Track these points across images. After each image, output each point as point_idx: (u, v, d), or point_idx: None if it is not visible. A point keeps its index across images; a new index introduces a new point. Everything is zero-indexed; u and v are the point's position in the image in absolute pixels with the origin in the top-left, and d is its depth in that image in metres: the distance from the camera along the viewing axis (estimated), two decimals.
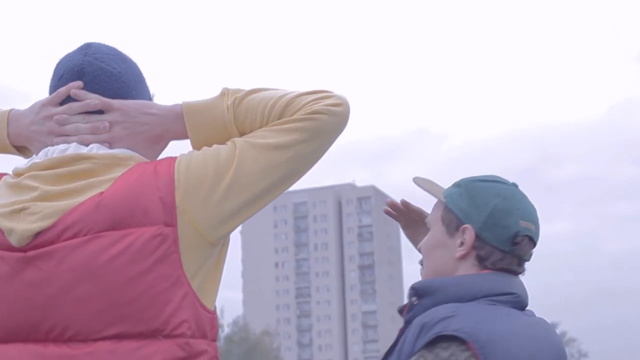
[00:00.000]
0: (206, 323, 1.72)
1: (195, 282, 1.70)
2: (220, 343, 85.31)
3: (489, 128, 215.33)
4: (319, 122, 1.76)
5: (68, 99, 1.80)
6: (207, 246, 1.72)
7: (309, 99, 1.78)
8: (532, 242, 2.01)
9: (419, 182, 2.15)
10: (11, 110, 1.89)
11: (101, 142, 1.78)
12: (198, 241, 1.70)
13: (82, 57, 1.81)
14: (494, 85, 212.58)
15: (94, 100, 1.78)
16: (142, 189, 1.69)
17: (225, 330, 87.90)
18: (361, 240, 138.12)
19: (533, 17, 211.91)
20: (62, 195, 1.72)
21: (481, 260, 1.99)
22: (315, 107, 1.77)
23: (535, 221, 2.02)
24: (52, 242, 1.67)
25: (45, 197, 1.71)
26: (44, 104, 1.83)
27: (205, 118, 1.79)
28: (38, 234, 1.68)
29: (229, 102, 1.79)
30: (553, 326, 2.11)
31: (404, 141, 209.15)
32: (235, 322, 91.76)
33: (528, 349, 1.88)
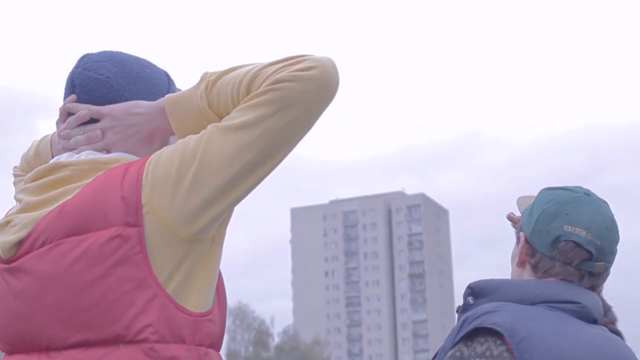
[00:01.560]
0: (184, 327, 1.63)
1: (172, 283, 1.63)
2: (271, 353, 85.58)
3: (539, 131, 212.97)
4: (284, 91, 1.61)
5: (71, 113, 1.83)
6: (181, 244, 1.63)
7: (275, 68, 1.64)
8: (583, 249, 1.90)
9: (520, 202, 2.12)
10: (54, 133, 1.93)
11: (98, 150, 1.77)
12: (170, 239, 1.62)
13: (74, 70, 1.82)
14: (544, 87, 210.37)
15: (83, 110, 1.78)
16: (104, 191, 1.65)
17: (275, 339, 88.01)
18: (411, 248, 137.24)
19: (586, 18, 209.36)
20: (39, 204, 1.72)
21: (535, 269, 1.94)
22: (280, 75, 1.62)
23: (589, 228, 1.90)
24: (27, 252, 1.68)
25: (26, 208, 1.73)
26: (57, 123, 1.86)
27: (185, 108, 1.72)
28: (20, 245, 1.69)
29: (202, 88, 1.71)
30: (629, 349, 1.97)
31: (453, 147, 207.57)
32: (285, 332, 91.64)
33: (573, 352, 1.78)
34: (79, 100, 1.80)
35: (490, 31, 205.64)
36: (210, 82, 1.70)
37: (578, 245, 1.90)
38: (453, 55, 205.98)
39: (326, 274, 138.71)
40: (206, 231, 1.66)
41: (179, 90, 1.83)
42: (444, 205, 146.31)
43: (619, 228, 1.97)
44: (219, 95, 1.68)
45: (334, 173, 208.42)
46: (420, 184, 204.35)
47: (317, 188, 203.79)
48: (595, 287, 1.95)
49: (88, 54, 1.85)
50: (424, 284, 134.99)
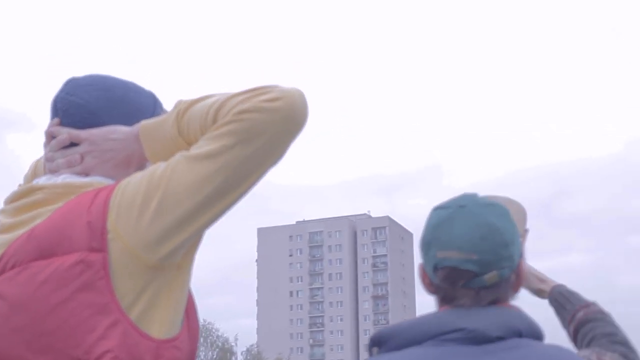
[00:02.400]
0: (146, 353, 1.62)
1: (136, 309, 1.62)
2: None
3: (503, 164, 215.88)
4: (248, 122, 1.60)
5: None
6: (146, 270, 1.63)
7: (240, 98, 1.63)
8: (461, 270, 1.74)
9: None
10: None
11: (78, 173, 1.80)
12: (134, 265, 1.62)
13: (58, 94, 1.85)
14: (509, 122, 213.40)
15: (63, 135, 1.81)
16: (73, 215, 1.65)
17: (239, 358, 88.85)
18: (375, 270, 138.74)
19: (555, 56, 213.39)
20: (13, 227, 1.73)
21: (436, 298, 1.82)
22: (245, 105, 1.61)
23: (462, 246, 1.74)
24: (0, 274, 1.69)
25: (1, 230, 1.75)
26: (43, 145, 1.89)
27: (158, 136, 1.74)
28: None
29: (173, 116, 1.72)
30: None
31: (420, 175, 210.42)
32: (249, 350, 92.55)
33: None
34: (62, 124, 1.83)
35: (456, 71, 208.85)
36: (181, 111, 1.71)
37: (455, 268, 1.75)
38: (427, 89, 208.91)
39: (291, 293, 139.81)
40: (171, 258, 1.65)
41: (166, 112, 1.84)
42: (409, 227, 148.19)
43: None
44: (189, 123, 1.69)
45: (301, 195, 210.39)
46: (385, 206, 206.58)
47: (284, 209, 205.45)
48: (501, 298, 1.77)
49: (73, 78, 1.87)
50: (387, 306, 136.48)
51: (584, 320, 2.14)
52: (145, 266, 1.63)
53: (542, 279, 2.32)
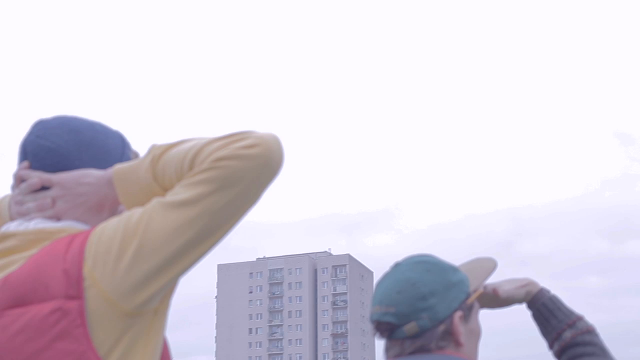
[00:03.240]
0: None
1: (113, 357, 1.60)
2: None
3: (464, 207, 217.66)
4: (225, 170, 1.59)
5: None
6: (123, 317, 1.60)
7: (217, 145, 1.62)
8: (384, 323, 1.90)
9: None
10: (8, 195, 1.95)
11: (49, 218, 1.77)
12: (112, 313, 1.60)
13: (27, 137, 1.84)
14: (472, 167, 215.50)
15: (33, 179, 1.79)
16: (48, 263, 1.63)
17: None
18: (335, 308, 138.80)
19: (511, 100, 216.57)
20: None
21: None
22: (222, 153, 1.60)
23: (382, 300, 1.92)
24: None
25: None
26: (12, 188, 1.87)
27: (132, 181, 1.72)
28: None
29: (147, 161, 1.69)
30: None
31: (381, 215, 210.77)
32: None
33: None
34: (31, 167, 1.80)
35: (419, 115, 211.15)
36: (156, 156, 1.68)
37: (378, 321, 1.91)
38: (385, 128, 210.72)
39: (250, 331, 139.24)
40: (148, 305, 1.63)
41: (135, 152, 1.86)
42: (369, 266, 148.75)
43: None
44: (165, 169, 1.67)
45: (262, 232, 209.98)
46: (346, 245, 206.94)
47: (245, 246, 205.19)
48: (428, 347, 1.88)
49: (42, 121, 1.85)
50: (346, 344, 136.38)
51: (571, 343, 2.13)
52: (122, 313, 1.60)
53: (521, 286, 2.22)
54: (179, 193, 1.62)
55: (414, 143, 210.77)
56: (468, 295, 1.95)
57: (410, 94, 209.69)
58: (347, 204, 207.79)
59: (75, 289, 1.59)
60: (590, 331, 2.15)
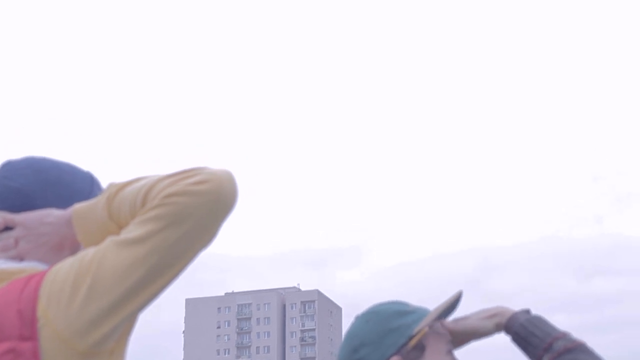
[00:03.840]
0: None
1: None
2: None
3: (433, 244, 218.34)
4: (174, 206, 1.58)
5: None
6: (78, 357, 1.58)
7: (167, 182, 1.61)
8: None
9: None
10: None
11: (12, 258, 1.78)
12: (66, 353, 1.58)
13: None
14: (441, 205, 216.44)
15: None
16: (3, 304, 1.62)
17: None
18: (304, 344, 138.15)
19: (481, 139, 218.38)
20: None
21: None
22: (172, 189, 1.59)
23: (340, 355, 2.04)
24: None
25: None
26: None
27: (89, 219, 1.72)
28: None
29: (103, 200, 1.70)
30: None
31: (350, 251, 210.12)
32: None
33: None
34: None
35: (388, 152, 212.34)
36: (111, 194, 1.69)
37: None
38: (355, 162, 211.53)
39: None
40: (103, 344, 1.60)
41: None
42: (338, 302, 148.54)
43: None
44: (120, 207, 1.67)
45: (230, 266, 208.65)
46: (315, 280, 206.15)
47: (213, 280, 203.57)
48: None
49: (10, 162, 1.87)
50: None
51: (563, 351, 2.01)
52: (77, 353, 1.58)
53: (492, 315, 2.11)
54: (131, 230, 1.61)
55: (384, 180, 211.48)
56: (410, 338, 1.96)
57: (379, 131, 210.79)
58: (316, 239, 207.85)
59: (28, 329, 1.58)
60: (571, 349, 2.02)
